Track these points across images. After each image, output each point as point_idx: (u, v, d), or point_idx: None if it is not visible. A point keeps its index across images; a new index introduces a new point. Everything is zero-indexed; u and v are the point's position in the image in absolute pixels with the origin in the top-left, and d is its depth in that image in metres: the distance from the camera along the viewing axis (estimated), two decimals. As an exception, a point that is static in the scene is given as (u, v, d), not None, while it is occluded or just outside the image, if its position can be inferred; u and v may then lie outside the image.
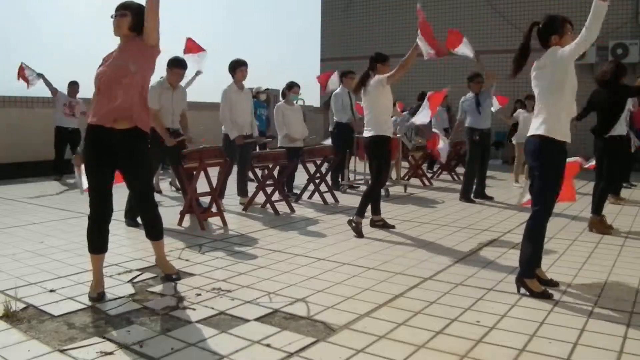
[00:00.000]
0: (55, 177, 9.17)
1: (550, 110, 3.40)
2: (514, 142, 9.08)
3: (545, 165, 3.43)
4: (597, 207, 5.41)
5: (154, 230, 3.68)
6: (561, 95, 3.39)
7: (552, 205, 3.46)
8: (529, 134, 3.52)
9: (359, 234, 5.11)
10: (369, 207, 5.44)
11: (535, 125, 3.47)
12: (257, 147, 7.47)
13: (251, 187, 6.89)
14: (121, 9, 3.37)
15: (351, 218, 5.27)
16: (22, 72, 9.00)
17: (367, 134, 5.33)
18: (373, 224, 5.56)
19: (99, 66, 3.40)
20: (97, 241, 3.39)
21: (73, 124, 9.30)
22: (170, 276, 3.71)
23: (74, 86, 9.46)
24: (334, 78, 9.12)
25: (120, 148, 3.34)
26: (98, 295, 3.28)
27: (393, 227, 5.50)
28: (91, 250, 3.40)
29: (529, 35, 3.51)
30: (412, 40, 5.24)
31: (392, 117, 5.74)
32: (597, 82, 5.48)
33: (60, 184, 8.82)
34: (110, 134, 3.29)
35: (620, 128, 5.49)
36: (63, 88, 9.43)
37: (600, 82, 5.42)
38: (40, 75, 9.12)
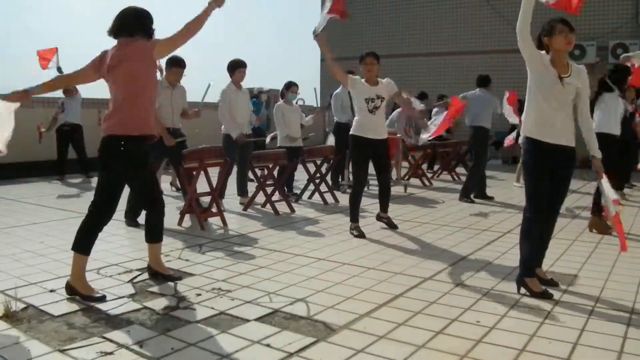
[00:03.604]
0: (57, 177, 9.18)
1: (527, 109, 3.49)
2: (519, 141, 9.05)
3: (525, 163, 3.52)
4: (597, 208, 5.40)
5: (157, 232, 3.72)
6: (535, 96, 3.43)
7: (537, 203, 3.42)
8: None
9: (361, 236, 5.10)
10: (374, 207, 5.42)
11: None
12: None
13: (251, 187, 6.89)
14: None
15: (350, 226, 5.28)
16: (49, 56, 8.80)
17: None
18: (379, 217, 5.57)
19: (144, 65, 3.40)
20: (92, 243, 3.37)
21: (76, 119, 9.33)
22: (171, 276, 3.71)
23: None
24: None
25: (148, 154, 3.51)
26: (97, 296, 3.28)
27: (396, 227, 5.49)
28: (86, 252, 3.34)
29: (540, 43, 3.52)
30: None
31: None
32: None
33: (60, 184, 8.83)
34: (146, 142, 3.43)
35: (610, 127, 5.45)
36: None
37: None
38: (59, 70, 8.96)
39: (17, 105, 3.45)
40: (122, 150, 3.29)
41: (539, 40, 3.48)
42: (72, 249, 3.34)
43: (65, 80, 4.05)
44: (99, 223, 3.36)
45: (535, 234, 3.49)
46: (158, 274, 3.73)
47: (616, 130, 5.46)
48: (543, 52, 3.44)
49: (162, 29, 3.47)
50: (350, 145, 5.32)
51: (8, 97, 3.43)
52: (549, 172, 3.41)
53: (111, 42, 3.47)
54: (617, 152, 5.53)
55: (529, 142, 3.44)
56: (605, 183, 3.42)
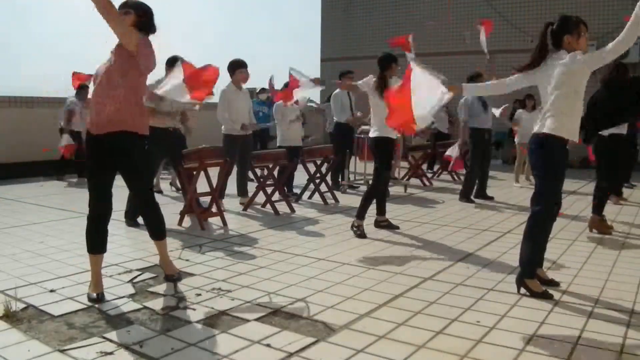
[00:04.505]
0: (57, 177, 9.18)
1: (559, 110, 3.37)
2: (515, 141, 9.06)
3: (547, 163, 3.44)
4: (597, 207, 5.41)
5: (157, 230, 3.69)
6: (574, 99, 3.38)
7: (552, 203, 3.45)
8: (533, 131, 3.51)
9: (362, 236, 5.09)
10: (372, 208, 5.42)
11: (542, 124, 3.45)
12: (259, 144, 7.47)
13: (251, 187, 6.89)
14: (124, 7, 3.32)
15: (353, 223, 5.27)
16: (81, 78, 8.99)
17: (371, 134, 5.35)
18: (377, 224, 5.55)
19: (98, 69, 3.37)
20: (97, 241, 3.39)
21: (79, 127, 9.32)
22: (171, 276, 3.71)
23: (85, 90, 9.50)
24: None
25: (116, 152, 3.34)
26: (97, 296, 3.28)
27: (397, 227, 5.49)
28: (90, 250, 3.39)
29: (545, 35, 3.46)
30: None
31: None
32: (601, 83, 5.51)
33: (60, 184, 8.83)
34: (103, 141, 3.30)
35: (617, 127, 5.46)
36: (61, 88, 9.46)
37: (603, 82, 5.46)
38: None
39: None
40: (87, 139, 3.38)
41: (555, 36, 3.43)
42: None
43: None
44: (90, 219, 3.37)
45: (545, 234, 3.49)
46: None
47: (623, 129, 5.47)
48: (562, 53, 3.39)
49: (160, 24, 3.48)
50: (383, 147, 5.27)
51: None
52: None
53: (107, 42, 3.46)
54: (627, 151, 5.55)
55: (557, 141, 3.38)
56: None
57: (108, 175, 3.39)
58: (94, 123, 3.31)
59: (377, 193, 5.35)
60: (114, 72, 3.29)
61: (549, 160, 3.42)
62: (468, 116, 7.24)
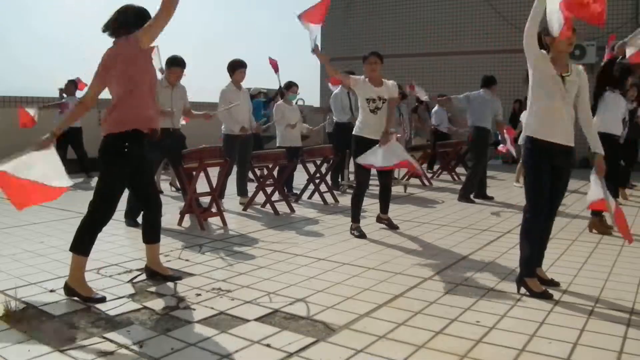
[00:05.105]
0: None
1: (531, 110, 3.47)
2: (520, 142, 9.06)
3: (527, 162, 3.50)
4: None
5: (158, 231, 3.72)
6: (538, 96, 3.41)
7: (537, 202, 3.41)
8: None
9: (362, 237, 5.10)
10: (375, 207, 5.40)
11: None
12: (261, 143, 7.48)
13: (251, 187, 6.89)
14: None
15: (350, 226, 5.27)
16: (26, 117, 8.48)
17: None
18: (379, 219, 5.57)
19: (134, 61, 3.30)
20: (92, 244, 3.35)
21: (76, 122, 9.27)
22: (171, 277, 3.71)
23: (72, 84, 9.44)
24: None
25: (140, 152, 3.41)
26: (96, 297, 3.27)
27: (397, 227, 5.49)
28: (85, 253, 3.31)
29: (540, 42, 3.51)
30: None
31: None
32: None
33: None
34: (144, 137, 3.39)
35: (611, 127, 5.46)
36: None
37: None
38: (41, 108, 8.48)
39: (49, 146, 3.53)
40: (119, 148, 3.29)
41: (539, 40, 3.48)
42: (71, 249, 3.31)
43: (85, 104, 3.55)
44: (99, 223, 3.34)
45: (536, 234, 3.49)
46: (157, 275, 3.72)
47: (617, 130, 5.48)
48: (544, 51, 3.44)
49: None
50: (353, 145, 5.31)
51: (38, 145, 3.53)
52: (549, 172, 3.42)
53: (108, 41, 3.44)
54: (617, 152, 5.54)
55: (532, 141, 3.43)
56: (603, 180, 3.46)
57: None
58: (154, 119, 3.43)
59: (358, 196, 5.27)
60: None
61: (528, 161, 3.48)
62: (476, 115, 7.29)
